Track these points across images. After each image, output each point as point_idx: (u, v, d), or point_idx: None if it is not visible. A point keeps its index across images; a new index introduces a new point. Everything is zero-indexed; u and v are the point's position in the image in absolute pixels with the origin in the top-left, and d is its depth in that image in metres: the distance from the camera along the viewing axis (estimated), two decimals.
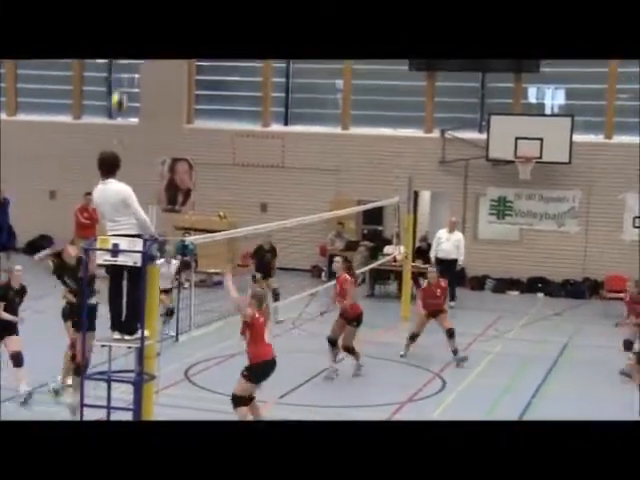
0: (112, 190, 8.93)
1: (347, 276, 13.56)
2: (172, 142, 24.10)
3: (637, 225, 21.41)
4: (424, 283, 15.50)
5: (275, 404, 11.60)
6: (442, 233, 19.81)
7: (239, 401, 9.99)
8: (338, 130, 23.72)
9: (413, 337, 14.61)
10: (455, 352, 14.22)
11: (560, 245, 21.83)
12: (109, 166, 9.05)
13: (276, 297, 16.47)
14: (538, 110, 22.74)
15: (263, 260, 17.36)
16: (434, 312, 14.61)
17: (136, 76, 25.16)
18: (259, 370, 10.11)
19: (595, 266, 21.42)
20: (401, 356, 14.45)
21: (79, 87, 25.57)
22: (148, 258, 8.71)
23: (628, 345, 13.97)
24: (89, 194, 18.74)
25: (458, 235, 19.82)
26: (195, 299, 11.94)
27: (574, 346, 16.04)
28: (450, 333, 14.31)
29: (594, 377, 13.60)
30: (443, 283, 14.95)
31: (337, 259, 14.33)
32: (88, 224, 19.19)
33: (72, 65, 25.14)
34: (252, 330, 10.11)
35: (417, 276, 18.98)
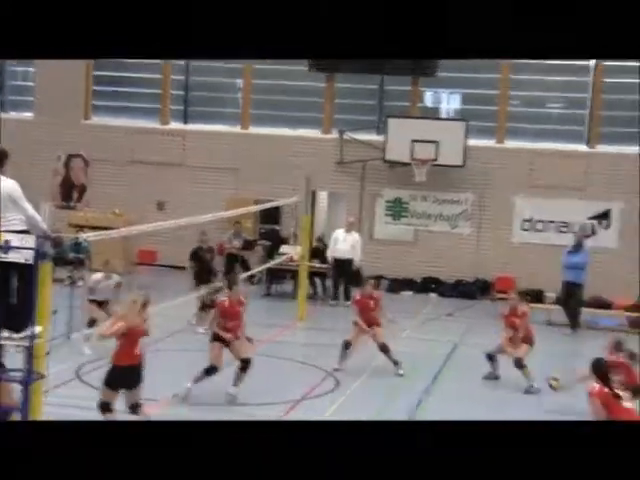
0: None
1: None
2: (69, 138, 23.74)
3: (526, 228, 22.08)
4: (357, 295, 14.74)
5: (168, 404, 11.57)
6: (339, 233, 20.03)
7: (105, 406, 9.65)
8: (238, 129, 23.74)
9: (346, 346, 14.01)
10: (395, 363, 14.04)
11: (453, 246, 22.35)
12: None
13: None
14: (434, 114, 23.22)
15: (203, 263, 16.38)
16: (369, 324, 14.13)
17: (31, 69, 24.66)
18: (119, 374, 9.73)
19: (486, 267, 22.00)
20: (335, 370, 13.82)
21: None
22: (40, 255, 8.60)
23: (490, 357, 13.89)
24: None
25: (355, 236, 20.08)
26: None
27: (464, 345, 16.45)
28: (383, 349, 13.93)
29: (481, 376, 13.95)
30: (376, 294, 14.54)
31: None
32: None
33: None
34: (127, 337, 9.69)
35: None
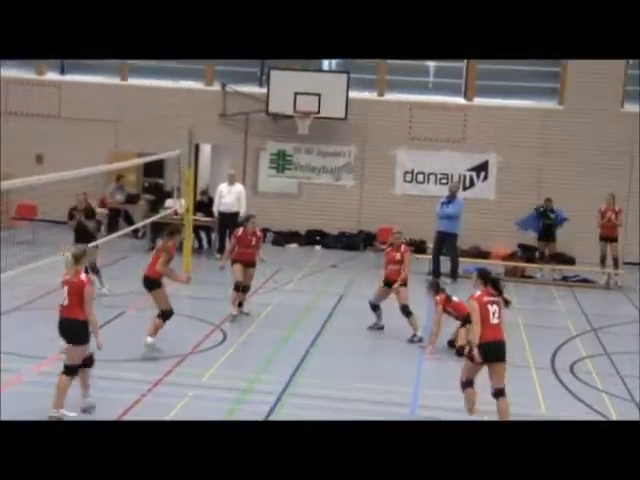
0: None
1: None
2: None
3: (408, 180, 22.49)
4: (239, 231, 14.68)
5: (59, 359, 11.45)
6: (223, 187, 19.98)
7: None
8: (117, 81, 23.26)
9: (237, 288, 14.34)
10: (240, 304, 14.48)
11: (337, 198, 22.59)
12: None
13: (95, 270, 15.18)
14: (316, 66, 23.23)
15: (79, 224, 15.50)
16: (246, 262, 14.42)
17: None
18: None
19: (369, 219, 22.34)
20: (234, 316, 14.20)
21: None
22: None
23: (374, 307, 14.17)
24: None
25: (239, 187, 20.07)
26: None
27: (348, 296, 16.74)
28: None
29: (366, 326, 14.25)
30: (259, 233, 14.82)
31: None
32: None
33: None
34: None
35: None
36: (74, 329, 9.62)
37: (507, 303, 10.04)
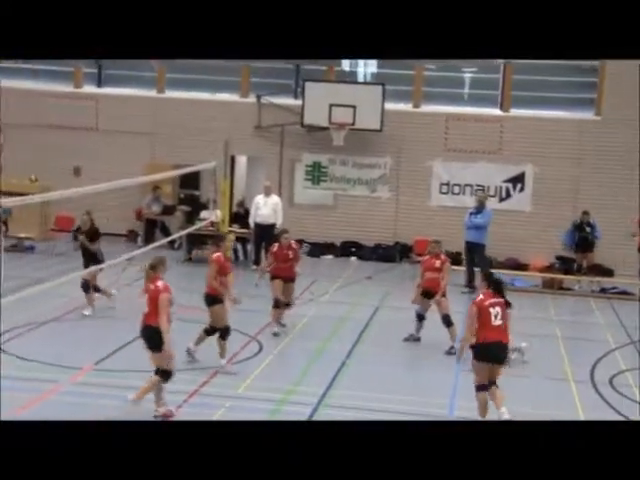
0: None
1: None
2: None
3: (444, 192, 22.40)
4: (275, 247, 14.47)
5: (92, 370, 11.51)
6: (259, 198, 20.00)
7: None
8: (153, 93, 23.43)
9: (277, 304, 14.16)
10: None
11: (372, 210, 22.54)
12: None
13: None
14: (351, 78, 23.26)
15: (83, 248, 15.04)
16: (285, 277, 14.25)
17: None
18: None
19: (405, 230, 22.27)
20: (275, 334, 13.99)
21: None
22: None
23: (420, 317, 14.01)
24: None
25: (275, 199, 20.08)
26: (4, 264, 11.61)
27: (384, 308, 16.68)
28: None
29: (401, 338, 14.17)
30: (295, 245, 14.65)
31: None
32: None
33: None
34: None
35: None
36: (152, 335, 9.88)
37: (508, 305, 10.12)
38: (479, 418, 9.90)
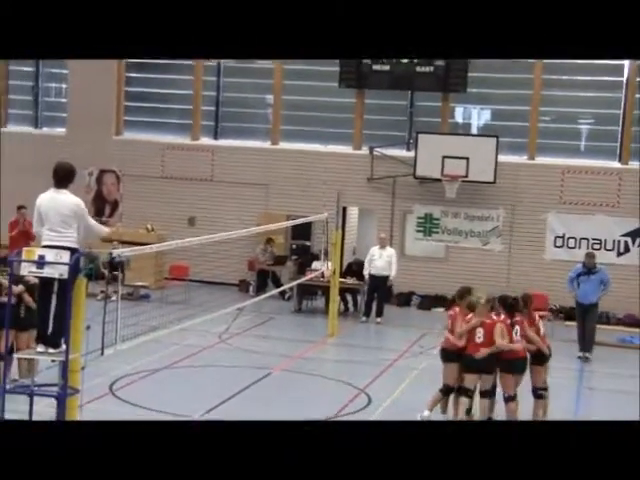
0: (64, 200, 8.89)
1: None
2: (100, 153, 23.86)
3: (558, 245, 21.91)
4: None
5: (201, 418, 11.57)
6: (374, 250, 19.94)
7: None
8: (268, 145, 23.80)
9: (446, 391, 12.24)
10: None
11: (484, 263, 22.20)
12: (64, 176, 9.02)
13: None
14: (464, 130, 23.12)
15: None
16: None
17: (64, 86, 24.89)
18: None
19: (517, 284, 21.80)
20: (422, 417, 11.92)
21: (4, 95, 25.18)
22: (75, 270, 8.63)
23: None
24: (22, 207, 18.34)
25: (390, 251, 20.00)
26: (121, 312, 11.80)
27: None
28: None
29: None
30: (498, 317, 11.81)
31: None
32: (21, 238, 17.67)
33: None
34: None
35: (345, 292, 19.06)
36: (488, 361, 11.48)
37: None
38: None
